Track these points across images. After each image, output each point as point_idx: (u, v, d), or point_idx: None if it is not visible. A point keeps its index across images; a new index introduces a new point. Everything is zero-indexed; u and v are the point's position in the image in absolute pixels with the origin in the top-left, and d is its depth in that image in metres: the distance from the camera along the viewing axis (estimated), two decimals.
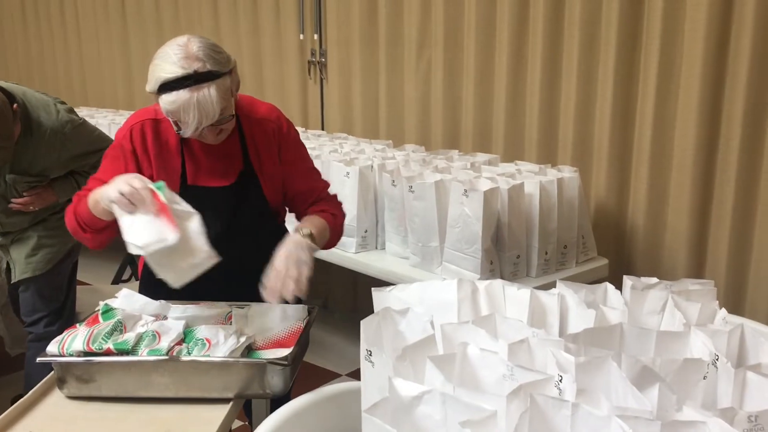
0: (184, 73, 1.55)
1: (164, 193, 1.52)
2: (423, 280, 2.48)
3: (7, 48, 5.84)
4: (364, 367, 1.13)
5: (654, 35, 2.66)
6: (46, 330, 2.64)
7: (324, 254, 2.88)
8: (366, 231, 2.80)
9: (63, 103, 2.50)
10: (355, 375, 3.21)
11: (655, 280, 1.37)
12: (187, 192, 1.69)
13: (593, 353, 1.05)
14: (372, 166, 2.80)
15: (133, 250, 1.48)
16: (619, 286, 1.37)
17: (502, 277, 2.42)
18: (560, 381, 0.99)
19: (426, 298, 1.34)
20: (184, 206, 1.55)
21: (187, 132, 1.59)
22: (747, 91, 2.47)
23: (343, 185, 2.76)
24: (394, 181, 2.64)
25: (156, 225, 1.47)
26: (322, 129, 4.01)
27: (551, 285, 2.42)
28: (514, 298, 1.32)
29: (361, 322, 1.19)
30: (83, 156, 2.51)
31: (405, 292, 1.36)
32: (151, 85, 1.59)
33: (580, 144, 2.95)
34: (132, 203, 1.48)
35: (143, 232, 1.46)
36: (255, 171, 1.81)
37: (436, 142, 3.44)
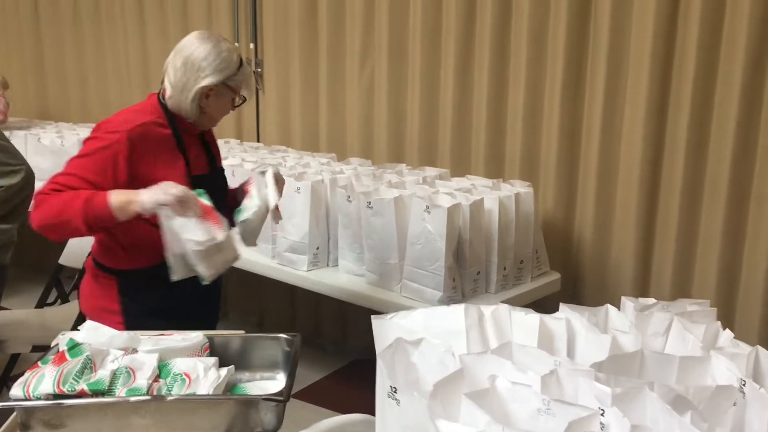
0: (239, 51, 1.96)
1: (205, 199, 1.76)
2: (380, 298, 2.45)
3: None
4: (385, 404, 1.06)
5: (600, 51, 2.71)
6: None
7: (273, 273, 2.79)
8: (318, 248, 2.72)
9: None
10: (315, 399, 3.10)
11: (652, 300, 1.38)
12: (192, 181, 1.87)
13: (625, 383, 1.02)
14: (323, 181, 2.72)
15: (191, 246, 1.69)
16: (569, 300, 1.38)
17: (462, 294, 2.40)
18: (602, 414, 0.96)
19: (431, 325, 1.28)
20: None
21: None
22: (691, 108, 2.55)
23: (293, 200, 2.66)
24: (349, 197, 2.57)
25: (206, 225, 1.71)
26: (258, 141, 3.88)
27: (511, 301, 2.45)
28: (521, 323, 1.29)
29: (379, 354, 1.12)
30: None
31: (407, 319, 1.30)
32: (230, 69, 1.87)
33: (527, 158, 2.97)
34: (183, 207, 1.68)
35: (198, 232, 1.69)
36: (217, 160, 2.09)
37: (380, 155, 3.39)
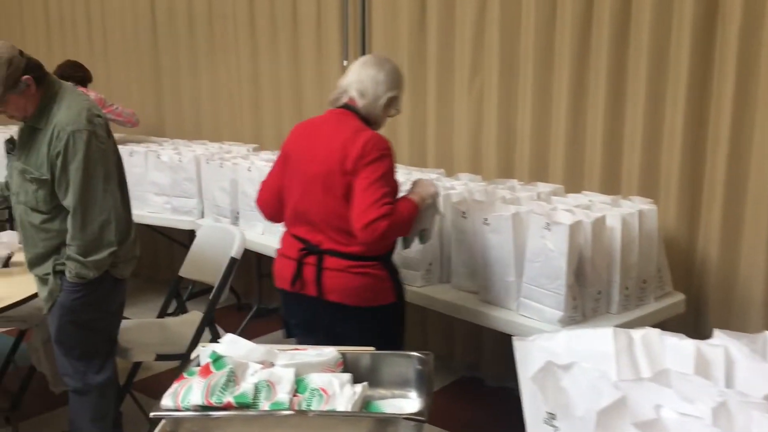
0: None
1: None
2: (496, 315, 2.41)
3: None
4: (540, 431, 1.03)
5: (728, 61, 2.59)
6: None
7: None
8: (430, 264, 2.71)
9: (99, 116, 2.35)
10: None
11: None
12: None
13: None
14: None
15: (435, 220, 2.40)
16: (693, 323, 1.30)
17: (583, 315, 2.33)
18: None
19: (577, 348, 1.24)
20: None
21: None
22: None
23: None
24: (464, 213, 2.55)
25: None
26: None
27: (634, 322, 2.35)
28: (674, 349, 1.23)
29: (531, 378, 1.09)
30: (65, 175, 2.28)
31: (551, 341, 1.27)
32: (402, 86, 2.30)
33: (647, 173, 2.87)
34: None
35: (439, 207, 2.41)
36: None
37: (489, 171, 3.35)
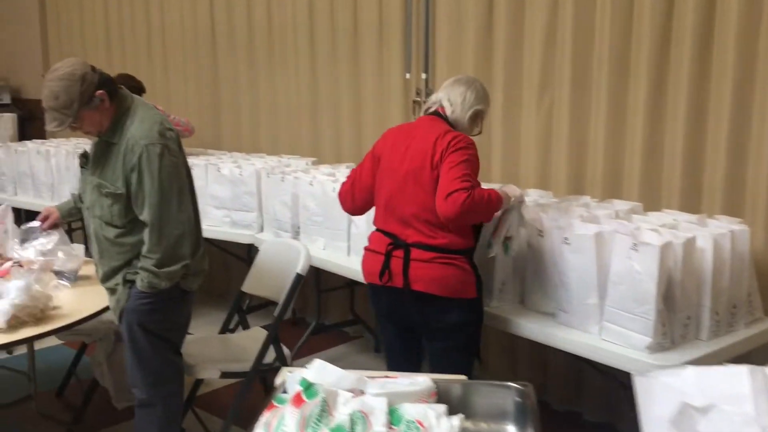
0: None
1: None
2: (576, 339, 2.30)
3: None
4: None
5: None
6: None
7: None
8: (503, 283, 2.61)
9: (171, 130, 2.34)
10: None
11: None
12: None
13: None
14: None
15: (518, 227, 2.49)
16: None
17: (672, 341, 2.20)
18: None
19: (706, 387, 1.13)
20: None
21: None
22: None
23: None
24: (541, 232, 2.45)
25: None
26: None
27: (724, 350, 2.22)
28: None
29: (666, 421, 1.00)
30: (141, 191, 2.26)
31: (676, 378, 1.16)
32: (488, 102, 2.53)
33: (731, 189, 2.72)
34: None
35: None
36: None
37: (558, 187, 3.24)
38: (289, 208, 3.58)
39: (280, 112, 4.52)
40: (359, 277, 3.14)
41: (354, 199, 2.55)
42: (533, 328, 2.45)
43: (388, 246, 2.35)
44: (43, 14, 6.15)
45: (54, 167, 4.64)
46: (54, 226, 2.71)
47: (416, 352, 2.54)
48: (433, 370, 2.39)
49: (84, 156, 2.46)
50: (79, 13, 5.83)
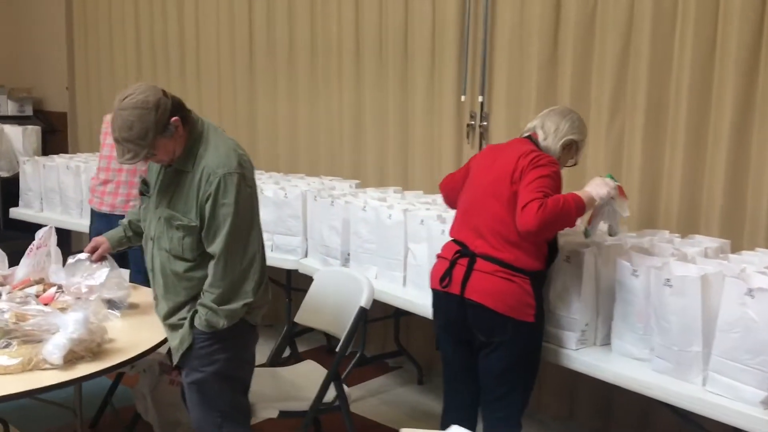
0: None
1: (613, 179, 2.41)
2: (675, 390, 2.12)
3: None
4: None
5: None
6: None
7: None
8: (587, 324, 2.44)
9: (245, 156, 2.20)
10: None
11: None
12: None
13: None
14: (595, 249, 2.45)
15: (619, 217, 2.41)
16: None
17: None
18: None
19: None
20: None
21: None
22: None
23: (561, 270, 2.42)
24: (635, 271, 2.28)
25: (620, 202, 2.40)
26: None
27: None
28: None
29: None
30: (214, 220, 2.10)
31: None
32: (584, 134, 2.52)
33: None
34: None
35: (624, 205, 2.40)
36: None
37: (629, 219, 3.07)
38: (338, 234, 3.40)
39: (320, 132, 4.36)
40: (415, 308, 2.98)
41: (448, 195, 2.70)
42: (624, 376, 2.27)
43: (455, 254, 2.38)
44: (69, 25, 6.00)
45: (84, 183, 4.46)
46: (102, 258, 2.53)
47: (473, 371, 2.43)
48: (483, 391, 2.41)
49: (144, 183, 2.30)
50: (108, 25, 5.65)
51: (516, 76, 3.43)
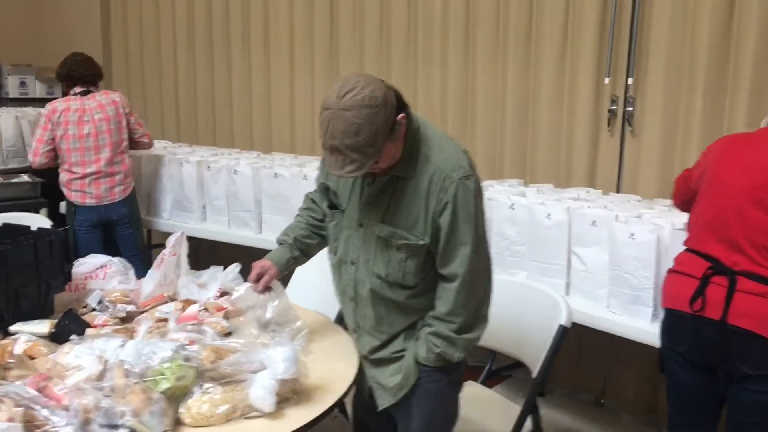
0: None
1: None
2: None
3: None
4: None
5: None
6: None
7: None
8: None
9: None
10: None
11: None
12: None
13: None
14: None
15: None
16: None
17: None
18: None
19: None
20: None
21: None
22: None
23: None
24: None
25: None
26: (618, 191, 3.31)
27: None
28: None
29: None
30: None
31: None
32: None
33: None
34: None
35: None
36: None
37: None
38: None
39: (429, 116, 3.93)
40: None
41: (681, 198, 2.29)
42: None
43: (707, 270, 1.99)
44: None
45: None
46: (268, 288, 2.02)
47: (716, 401, 2.06)
48: (734, 425, 2.02)
49: (328, 192, 1.89)
50: (150, 7, 5.16)
51: (676, 52, 3.03)
